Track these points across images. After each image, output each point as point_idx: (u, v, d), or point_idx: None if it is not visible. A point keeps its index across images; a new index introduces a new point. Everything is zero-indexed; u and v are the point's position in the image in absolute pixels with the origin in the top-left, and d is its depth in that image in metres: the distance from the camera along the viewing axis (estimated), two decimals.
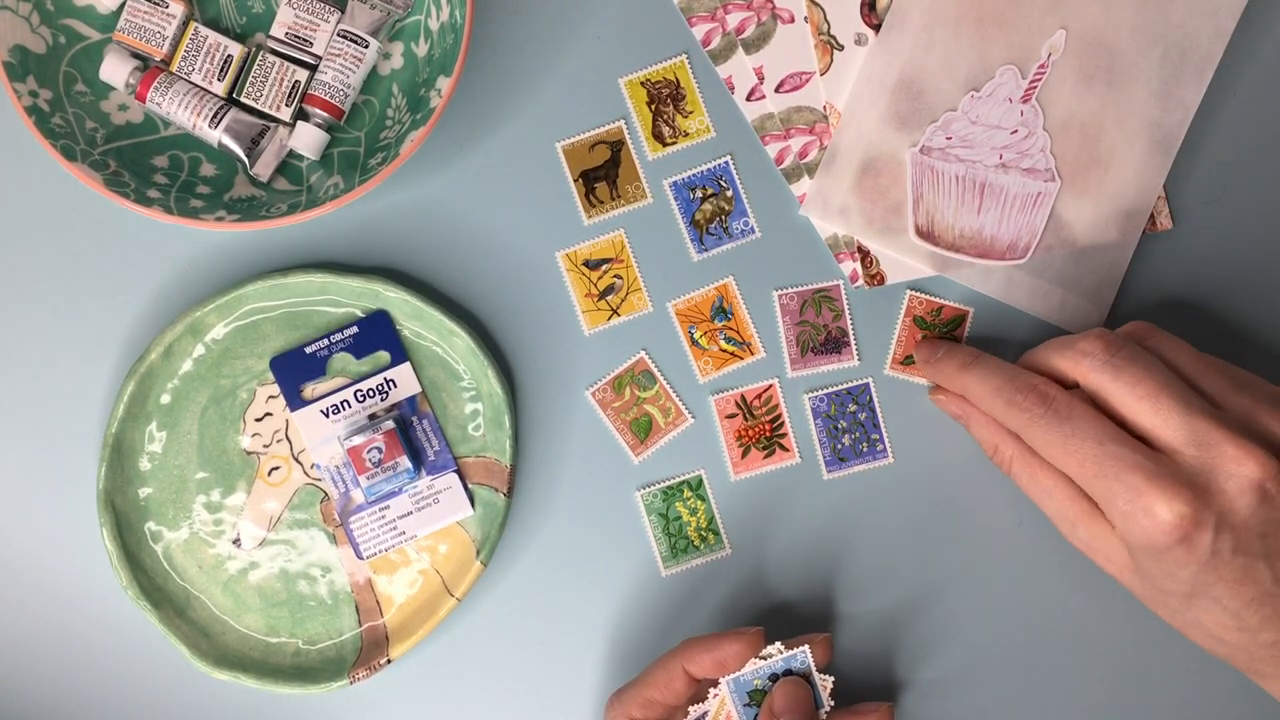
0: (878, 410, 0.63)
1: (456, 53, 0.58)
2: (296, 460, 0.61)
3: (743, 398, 0.62)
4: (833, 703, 0.56)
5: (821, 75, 0.62)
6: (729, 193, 0.63)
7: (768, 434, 0.62)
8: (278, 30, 0.60)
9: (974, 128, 0.62)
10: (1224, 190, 0.63)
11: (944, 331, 0.63)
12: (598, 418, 0.62)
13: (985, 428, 0.59)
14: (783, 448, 0.62)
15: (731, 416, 0.62)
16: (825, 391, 0.62)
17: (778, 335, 0.63)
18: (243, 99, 0.60)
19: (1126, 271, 0.62)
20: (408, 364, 0.61)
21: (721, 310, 0.63)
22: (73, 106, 0.59)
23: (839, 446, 0.62)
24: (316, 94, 0.60)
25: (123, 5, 0.60)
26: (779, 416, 0.62)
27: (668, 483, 0.62)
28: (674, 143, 0.63)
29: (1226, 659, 0.56)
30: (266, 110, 0.60)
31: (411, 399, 0.61)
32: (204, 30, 0.60)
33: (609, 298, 0.62)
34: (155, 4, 0.59)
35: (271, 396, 0.61)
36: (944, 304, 0.63)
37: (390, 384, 0.61)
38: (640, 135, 0.62)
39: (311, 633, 0.61)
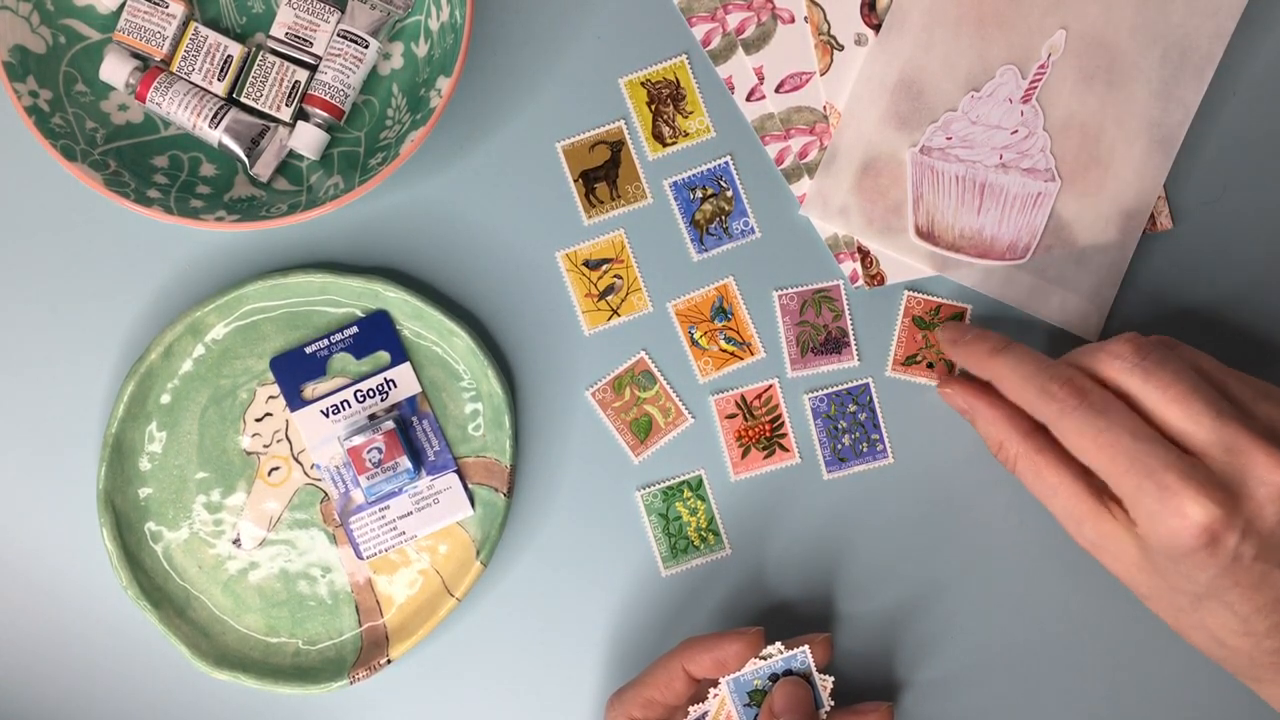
0: (878, 410, 0.63)
1: (456, 53, 0.58)
2: (296, 460, 0.61)
3: (743, 398, 0.62)
4: (833, 703, 0.56)
5: (821, 75, 0.62)
6: (729, 193, 0.63)
7: (768, 434, 0.62)
8: (278, 30, 0.60)
9: (974, 128, 0.62)
10: (1224, 190, 0.63)
11: None
12: (598, 418, 0.62)
13: (992, 423, 0.58)
14: (783, 448, 0.62)
15: (731, 417, 0.62)
16: (825, 392, 0.62)
17: (778, 335, 0.63)
18: (243, 99, 0.60)
19: (1126, 271, 0.62)
20: (408, 364, 0.61)
21: (721, 310, 0.63)
22: (73, 106, 0.59)
23: (839, 446, 0.62)
24: (316, 94, 0.60)
25: (123, 5, 0.60)
26: (779, 417, 0.62)
27: (668, 483, 0.62)
28: (674, 143, 0.63)
29: (1222, 662, 0.55)
30: (266, 110, 0.60)
31: (411, 399, 0.61)
32: (204, 30, 0.60)
33: (609, 298, 0.62)
34: (155, 4, 0.59)
35: (271, 396, 0.61)
36: (942, 302, 0.63)
37: (390, 384, 0.61)
38: (640, 135, 0.62)
39: (311, 633, 0.61)
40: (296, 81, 0.60)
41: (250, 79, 0.60)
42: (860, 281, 0.63)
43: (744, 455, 0.62)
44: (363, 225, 0.62)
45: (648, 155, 0.63)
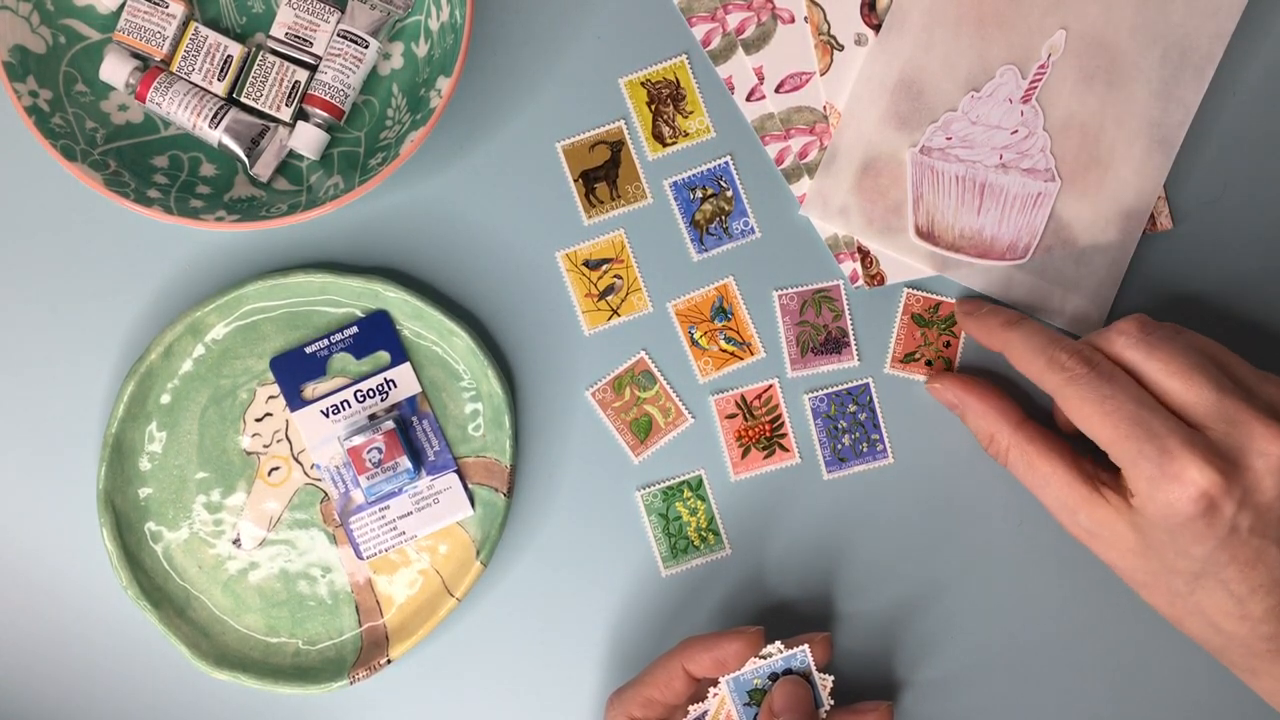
0: (878, 410, 0.63)
1: (456, 53, 0.58)
2: (296, 460, 0.61)
3: (743, 398, 0.62)
4: (833, 702, 0.56)
5: (821, 75, 0.62)
6: (729, 193, 0.63)
7: (768, 434, 0.62)
8: (278, 30, 0.60)
9: (974, 128, 0.62)
10: (1224, 190, 0.63)
11: (942, 329, 0.63)
12: (598, 418, 0.62)
13: (982, 416, 0.59)
14: (783, 448, 0.62)
15: (731, 416, 0.62)
16: (825, 391, 0.62)
17: (778, 335, 0.63)
18: (243, 99, 0.60)
19: (1126, 271, 0.62)
20: (408, 364, 0.61)
21: (721, 310, 0.63)
22: (73, 106, 0.59)
23: (839, 446, 0.63)
24: (316, 94, 0.60)
25: (123, 5, 0.60)
26: (779, 417, 0.62)
27: (668, 483, 0.62)
28: (674, 143, 0.63)
29: (1219, 653, 0.56)
30: (266, 110, 0.60)
31: (411, 399, 0.61)
32: (204, 30, 0.60)
33: (609, 298, 0.62)
34: (155, 4, 0.59)
35: (271, 396, 0.61)
36: (941, 300, 0.63)
37: (390, 384, 0.61)
38: (640, 135, 0.62)
39: (311, 633, 0.61)
40: (296, 81, 0.60)
41: (250, 79, 0.60)
42: (860, 281, 0.63)
43: (744, 455, 0.62)
44: (363, 225, 0.62)
45: (648, 155, 0.63)
